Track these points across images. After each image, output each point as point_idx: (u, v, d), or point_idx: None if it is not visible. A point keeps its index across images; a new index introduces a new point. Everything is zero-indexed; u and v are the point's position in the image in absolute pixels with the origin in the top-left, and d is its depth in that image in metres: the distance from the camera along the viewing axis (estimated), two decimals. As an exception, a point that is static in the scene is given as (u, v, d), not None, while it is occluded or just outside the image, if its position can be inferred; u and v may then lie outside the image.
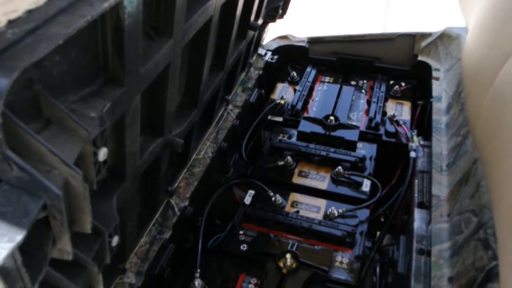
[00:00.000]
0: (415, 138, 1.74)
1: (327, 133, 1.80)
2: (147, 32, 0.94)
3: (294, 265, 1.34)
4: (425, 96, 1.96)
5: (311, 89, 2.07)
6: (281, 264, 1.35)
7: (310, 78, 2.10)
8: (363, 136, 1.82)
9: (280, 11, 1.89)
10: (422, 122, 1.93)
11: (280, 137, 1.83)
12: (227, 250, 1.44)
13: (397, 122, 1.84)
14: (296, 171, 1.70)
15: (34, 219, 0.61)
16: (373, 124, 1.85)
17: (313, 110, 1.96)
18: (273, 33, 2.24)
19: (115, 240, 0.96)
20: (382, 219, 1.74)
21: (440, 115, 1.77)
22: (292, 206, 1.57)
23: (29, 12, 0.57)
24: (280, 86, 2.12)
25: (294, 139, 1.83)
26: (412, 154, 1.67)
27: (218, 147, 1.66)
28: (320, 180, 1.67)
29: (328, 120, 1.82)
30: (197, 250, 1.40)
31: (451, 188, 1.47)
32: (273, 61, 2.15)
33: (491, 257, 1.09)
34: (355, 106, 1.98)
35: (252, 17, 1.63)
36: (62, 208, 0.64)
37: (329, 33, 2.18)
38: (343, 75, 2.16)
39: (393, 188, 1.67)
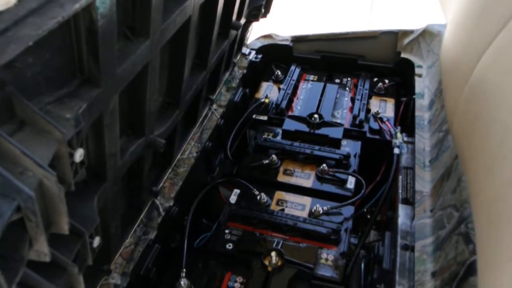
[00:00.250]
0: (398, 135, 1.75)
1: (312, 131, 1.81)
2: (124, 33, 0.94)
3: (279, 263, 1.35)
4: (408, 93, 1.99)
5: (295, 88, 2.08)
6: (266, 262, 1.35)
7: (295, 77, 2.11)
8: (347, 134, 1.83)
9: (263, 10, 1.89)
10: (406, 119, 1.94)
11: (265, 135, 1.84)
12: (213, 249, 1.45)
13: (381, 119, 1.85)
14: (281, 169, 1.71)
15: (7, 221, 0.61)
16: (357, 122, 1.86)
17: (298, 108, 1.97)
18: (257, 32, 2.24)
19: (97, 241, 0.95)
20: (369, 216, 1.75)
21: (422, 112, 1.78)
22: (277, 204, 1.58)
23: (-2, 13, 0.57)
24: (264, 85, 2.12)
25: (279, 138, 1.84)
26: (396, 150, 1.69)
27: (203, 146, 1.66)
28: (305, 178, 1.68)
29: (313, 118, 1.83)
30: (183, 249, 1.40)
31: (434, 184, 1.49)
32: (257, 60, 2.16)
33: (472, 251, 1.10)
34: (339, 104, 1.99)
35: (234, 17, 1.64)
36: (36, 209, 0.64)
37: (312, 32, 2.19)
38: (327, 73, 2.17)
39: (377, 184, 1.69)
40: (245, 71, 2.09)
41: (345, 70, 2.17)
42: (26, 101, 0.68)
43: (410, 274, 1.31)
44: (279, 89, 2.07)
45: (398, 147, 1.70)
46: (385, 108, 1.96)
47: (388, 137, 1.79)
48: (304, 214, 1.53)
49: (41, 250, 0.72)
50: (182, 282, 1.31)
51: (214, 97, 1.85)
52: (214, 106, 1.85)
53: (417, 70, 1.98)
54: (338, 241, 1.46)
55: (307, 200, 1.58)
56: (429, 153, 1.60)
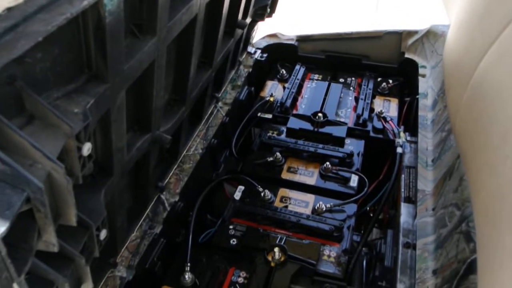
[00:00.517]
0: (401, 134, 1.76)
1: (316, 129, 1.83)
2: (131, 30, 0.96)
3: (282, 259, 1.37)
4: (412, 93, 1.99)
5: (300, 87, 2.09)
6: (269, 258, 1.37)
7: (299, 76, 2.13)
8: (351, 132, 1.84)
9: (268, 10, 1.91)
10: (409, 119, 1.95)
11: (270, 133, 1.86)
12: (217, 245, 1.47)
13: (385, 119, 1.86)
14: (285, 167, 1.73)
15: (17, 211, 0.63)
16: (360, 121, 1.87)
17: (302, 107, 1.98)
18: (262, 31, 2.26)
19: (103, 234, 0.98)
20: (371, 214, 1.76)
21: (426, 111, 1.79)
22: (281, 201, 1.59)
23: (9, 9, 0.59)
24: (269, 84, 2.14)
25: (283, 136, 1.85)
26: (399, 149, 1.70)
27: (208, 143, 1.68)
28: (309, 175, 1.69)
29: (317, 117, 1.84)
30: (187, 244, 1.42)
31: (436, 183, 1.50)
32: (263, 59, 2.18)
33: (472, 250, 1.11)
34: (343, 103, 2.01)
35: (240, 16, 1.65)
36: (45, 200, 0.66)
37: (317, 31, 2.21)
38: (331, 73, 2.19)
39: (380, 183, 1.70)
40: (250, 69, 2.11)
41: (350, 69, 2.18)
42: (36, 95, 0.70)
43: (412, 271, 1.32)
44: (284, 88, 2.09)
45: (401, 146, 1.71)
46: (388, 107, 1.97)
47: (391, 136, 1.80)
48: (307, 211, 1.55)
49: (50, 240, 0.74)
50: (186, 276, 1.33)
51: (220, 95, 1.87)
52: (220, 104, 1.87)
53: (421, 71, 1.99)
54: (341, 238, 1.47)
55: (310, 198, 1.60)
56: (431, 152, 1.62)
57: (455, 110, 1.13)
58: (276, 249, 1.37)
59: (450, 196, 1.36)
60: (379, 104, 1.99)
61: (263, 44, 2.24)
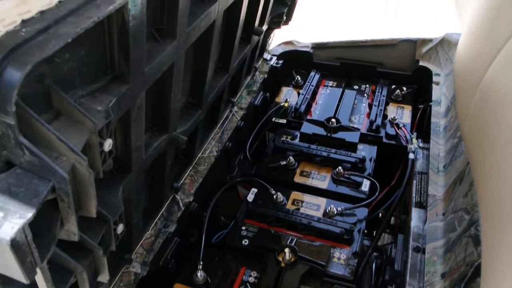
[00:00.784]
0: (414, 140, 1.78)
1: (329, 134, 1.86)
2: (153, 34, 1.01)
3: (292, 259, 1.40)
4: (426, 100, 2.01)
5: (314, 93, 2.13)
6: (280, 258, 1.40)
7: (314, 82, 2.16)
8: (364, 138, 1.87)
9: (285, 18, 1.95)
10: (422, 126, 1.97)
11: (284, 138, 1.89)
12: (229, 245, 1.50)
13: (397, 125, 1.89)
14: (298, 171, 1.76)
15: (43, 199, 0.68)
16: (374, 127, 1.90)
17: (316, 113, 2.02)
18: (279, 38, 2.31)
19: (120, 228, 1.02)
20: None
21: (438, 118, 1.81)
22: (293, 204, 1.62)
23: (42, 12, 0.64)
24: (284, 90, 2.18)
25: (297, 141, 1.89)
26: (411, 155, 1.72)
27: (223, 146, 1.72)
28: (321, 179, 1.72)
29: (330, 122, 1.87)
30: (200, 243, 1.46)
31: (447, 188, 1.51)
32: (278, 65, 2.22)
33: (480, 253, 1.13)
34: (357, 110, 2.03)
35: (257, 23, 1.70)
36: (68, 190, 0.71)
37: (333, 39, 2.25)
38: (346, 80, 2.22)
39: (392, 189, 1.72)
40: (266, 75, 2.15)
41: (364, 77, 2.21)
42: (63, 93, 0.75)
43: (421, 275, 1.34)
44: (299, 94, 2.12)
45: (413, 152, 1.73)
46: (402, 114, 1.99)
47: (404, 143, 1.82)
48: (319, 214, 1.57)
49: (71, 230, 0.79)
50: (199, 274, 1.37)
51: (236, 99, 1.91)
52: (235, 108, 1.91)
53: (435, 78, 2.01)
54: (351, 241, 1.49)
55: (322, 201, 1.63)
56: (443, 158, 1.63)
57: (464, 116, 1.15)
58: (287, 250, 1.40)
59: (460, 201, 1.38)
60: (392, 111, 2.01)
61: (279, 51, 2.29)
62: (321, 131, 1.88)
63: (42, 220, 0.72)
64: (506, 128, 0.91)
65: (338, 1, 4.97)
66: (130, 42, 0.84)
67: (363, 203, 1.59)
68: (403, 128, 1.87)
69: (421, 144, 1.77)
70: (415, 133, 1.84)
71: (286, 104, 2.03)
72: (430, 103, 1.90)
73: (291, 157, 1.76)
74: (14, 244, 0.63)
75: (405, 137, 1.84)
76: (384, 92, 2.09)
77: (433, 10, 4.42)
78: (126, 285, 1.26)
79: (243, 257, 1.45)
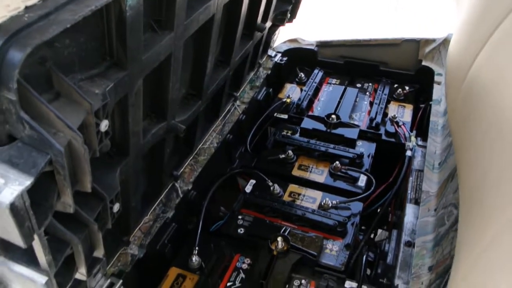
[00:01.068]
0: (412, 138, 1.81)
1: (328, 130, 1.90)
2: (151, 25, 1.07)
3: (285, 248, 1.44)
4: (427, 100, 2.04)
5: (317, 90, 2.17)
6: (273, 247, 1.44)
7: (317, 79, 2.20)
8: (363, 135, 1.90)
9: (289, 15, 2.00)
10: (423, 124, 2.00)
11: (284, 132, 1.94)
12: (225, 233, 1.55)
13: (397, 123, 1.92)
14: (296, 164, 1.80)
15: (41, 170, 0.74)
16: (373, 124, 1.93)
17: (318, 109, 2.06)
18: (284, 36, 2.35)
19: (116, 207, 1.08)
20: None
21: (438, 117, 1.84)
22: (289, 196, 1.67)
23: (43, 0, 0.70)
24: (288, 86, 2.23)
25: (297, 135, 1.93)
26: (408, 153, 1.75)
27: (224, 138, 1.78)
28: (319, 173, 1.76)
29: (330, 119, 1.91)
30: (197, 229, 1.51)
31: (440, 185, 1.55)
32: (282, 62, 2.26)
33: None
34: (358, 107, 2.07)
35: (259, 19, 1.75)
36: (64, 163, 0.77)
37: (337, 37, 2.29)
38: (349, 78, 2.25)
39: (390, 185, 1.75)
40: (269, 72, 2.20)
41: (367, 75, 2.24)
42: (63, 75, 0.81)
43: (411, 268, 1.37)
44: (302, 90, 2.16)
45: (411, 149, 1.76)
46: (403, 113, 2.02)
47: (403, 141, 1.85)
48: (314, 206, 1.61)
49: (67, 202, 0.85)
50: (193, 259, 1.42)
51: (238, 94, 1.97)
52: (238, 102, 1.97)
53: (437, 78, 2.04)
54: (344, 234, 1.53)
55: (318, 194, 1.67)
56: (439, 156, 1.66)
57: (452, 111, 1.19)
58: (279, 239, 1.44)
59: (450, 196, 1.41)
60: (393, 109, 2.05)
61: (284, 48, 2.34)
62: (321, 126, 1.92)
63: (40, 190, 0.78)
64: (485, 121, 0.95)
65: (341, 0, 4.98)
66: (127, 31, 0.90)
67: (358, 197, 1.63)
68: (402, 126, 1.91)
69: (420, 143, 1.80)
70: (415, 131, 1.87)
71: (288, 100, 2.08)
72: (431, 102, 1.93)
73: (290, 151, 1.80)
74: (13, 208, 0.69)
75: (404, 135, 1.87)
76: (386, 91, 2.12)
77: (433, 10, 4.42)
78: (123, 265, 1.32)
79: (238, 245, 1.50)
